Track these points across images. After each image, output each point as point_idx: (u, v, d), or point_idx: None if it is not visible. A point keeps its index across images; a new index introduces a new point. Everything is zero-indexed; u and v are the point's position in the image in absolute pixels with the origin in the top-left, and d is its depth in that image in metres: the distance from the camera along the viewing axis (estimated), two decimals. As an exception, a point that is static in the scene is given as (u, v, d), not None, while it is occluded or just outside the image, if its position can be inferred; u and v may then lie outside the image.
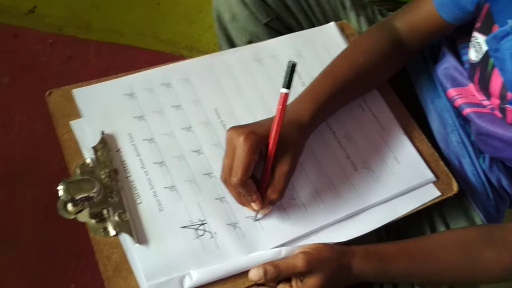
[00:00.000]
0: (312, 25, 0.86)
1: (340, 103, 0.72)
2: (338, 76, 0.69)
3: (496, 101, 0.67)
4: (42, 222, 1.16)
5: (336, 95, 0.68)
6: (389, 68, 0.76)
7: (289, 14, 0.85)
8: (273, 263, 0.58)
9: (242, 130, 0.60)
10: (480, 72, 0.67)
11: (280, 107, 0.59)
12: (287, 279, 0.58)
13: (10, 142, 1.27)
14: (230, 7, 0.83)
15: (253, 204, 0.62)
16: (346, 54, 0.72)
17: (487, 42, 0.63)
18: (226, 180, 0.61)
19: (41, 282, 1.11)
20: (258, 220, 0.64)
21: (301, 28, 0.85)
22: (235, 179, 0.59)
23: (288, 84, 0.59)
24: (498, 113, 0.68)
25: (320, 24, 0.85)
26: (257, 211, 0.63)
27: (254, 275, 0.58)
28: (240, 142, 0.59)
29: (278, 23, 0.84)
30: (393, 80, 0.78)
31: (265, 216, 0.64)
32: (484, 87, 0.68)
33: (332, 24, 0.82)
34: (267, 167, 0.61)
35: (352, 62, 0.70)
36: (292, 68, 0.58)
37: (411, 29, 0.73)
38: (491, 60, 0.64)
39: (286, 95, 0.59)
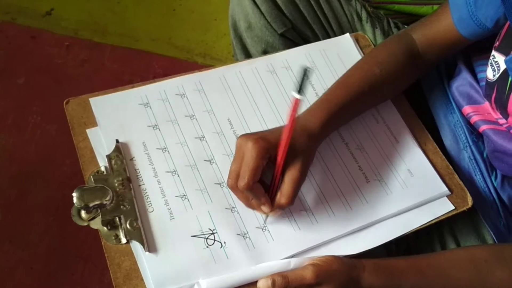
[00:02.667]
0: (328, 36, 0.86)
1: (353, 113, 0.72)
2: (351, 86, 0.69)
3: None
4: (51, 224, 1.17)
5: (349, 105, 0.68)
6: (404, 80, 0.75)
7: (305, 24, 0.85)
8: (282, 274, 0.58)
9: (252, 137, 0.60)
10: (497, 91, 0.67)
11: (292, 111, 0.58)
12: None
13: (23, 143, 1.28)
14: (246, 16, 0.83)
15: (263, 207, 0.62)
16: (361, 65, 0.72)
17: (507, 62, 0.63)
18: (232, 186, 0.61)
19: (48, 284, 1.11)
20: (267, 223, 0.64)
21: (317, 39, 0.86)
22: (242, 183, 0.58)
23: (300, 89, 0.56)
24: (514, 132, 0.68)
25: (336, 35, 0.85)
26: (267, 214, 0.63)
27: (263, 285, 0.57)
28: (249, 148, 0.59)
29: (294, 34, 0.84)
30: (406, 93, 0.78)
31: (274, 223, 0.64)
32: (502, 106, 0.67)
33: (347, 36, 0.82)
34: (276, 172, 0.61)
35: (367, 73, 0.70)
36: (304, 73, 0.56)
37: (428, 42, 0.73)
38: (510, 80, 0.63)
39: (298, 100, 0.57)
